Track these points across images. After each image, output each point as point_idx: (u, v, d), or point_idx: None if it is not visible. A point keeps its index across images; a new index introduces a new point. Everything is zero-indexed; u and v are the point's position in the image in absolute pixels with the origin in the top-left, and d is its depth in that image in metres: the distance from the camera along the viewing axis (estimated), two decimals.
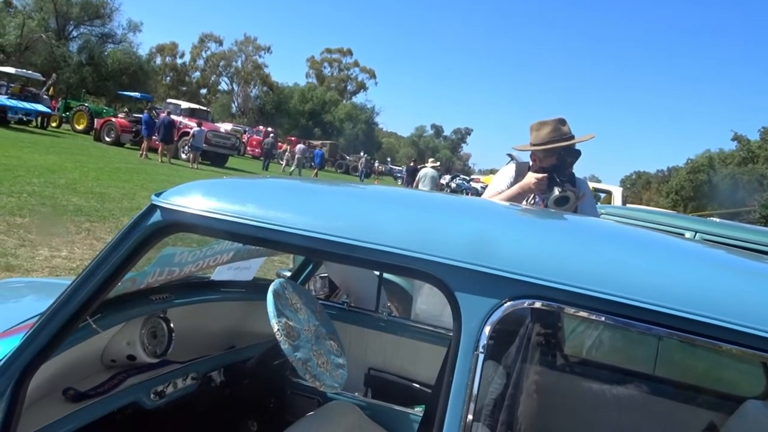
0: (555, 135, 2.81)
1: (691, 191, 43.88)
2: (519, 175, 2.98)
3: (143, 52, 48.57)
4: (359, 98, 73.72)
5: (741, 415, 1.82)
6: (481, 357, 1.13)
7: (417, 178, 16.96)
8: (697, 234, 3.92)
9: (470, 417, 1.12)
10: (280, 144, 37.68)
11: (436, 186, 17.21)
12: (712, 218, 6.21)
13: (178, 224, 1.41)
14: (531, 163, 2.98)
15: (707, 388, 2.28)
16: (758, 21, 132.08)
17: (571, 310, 1.14)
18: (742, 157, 44.04)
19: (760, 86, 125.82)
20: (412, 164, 27.96)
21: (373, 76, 74.22)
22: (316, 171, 31.77)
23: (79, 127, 26.89)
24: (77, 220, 8.12)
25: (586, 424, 1.96)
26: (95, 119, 25.73)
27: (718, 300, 1.08)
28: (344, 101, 68.66)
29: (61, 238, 6.92)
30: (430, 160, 19.10)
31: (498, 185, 3.01)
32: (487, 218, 1.47)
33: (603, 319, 1.13)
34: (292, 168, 30.04)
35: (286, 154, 32.76)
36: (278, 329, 1.64)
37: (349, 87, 74.06)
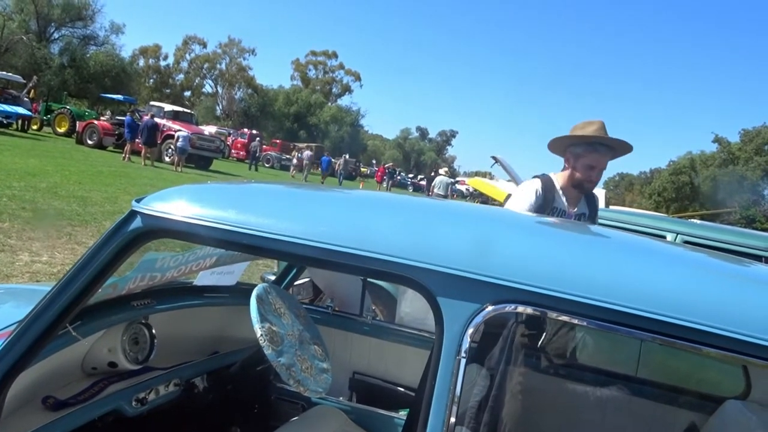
0: (602, 133, 2.79)
1: (673, 193, 44.38)
2: (547, 191, 2.86)
3: (126, 54, 48.29)
4: (344, 101, 73.72)
5: (721, 415, 1.84)
6: (463, 362, 1.13)
7: (432, 185, 19.75)
8: (679, 236, 3.97)
9: (453, 421, 1.12)
10: (265, 148, 37.63)
11: (449, 192, 19.88)
12: (693, 220, 6.29)
13: (158, 230, 1.39)
14: (565, 164, 2.90)
15: (688, 389, 2.31)
16: (739, 25, 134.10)
17: (552, 315, 1.15)
18: (723, 159, 44.64)
19: (740, 89, 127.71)
20: (433, 174, 29.51)
21: (358, 78, 74.27)
22: (324, 176, 31.88)
23: (61, 130, 26.58)
24: (58, 224, 8.03)
25: (569, 426, 1.97)
26: (77, 122, 25.42)
27: (699, 304, 1.09)
28: (329, 104, 68.51)
29: (42, 243, 6.83)
30: (443, 170, 22.47)
31: (523, 203, 2.85)
32: (468, 223, 1.47)
33: (584, 323, 1.14)
34: (305, 173, 30.67)
35: (294, 160, 32.90)
36: (262, 334, 1.64)
37: (334, 89, 73.95)
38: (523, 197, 2.88)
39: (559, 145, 2.93)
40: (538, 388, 2.00)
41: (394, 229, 1.30)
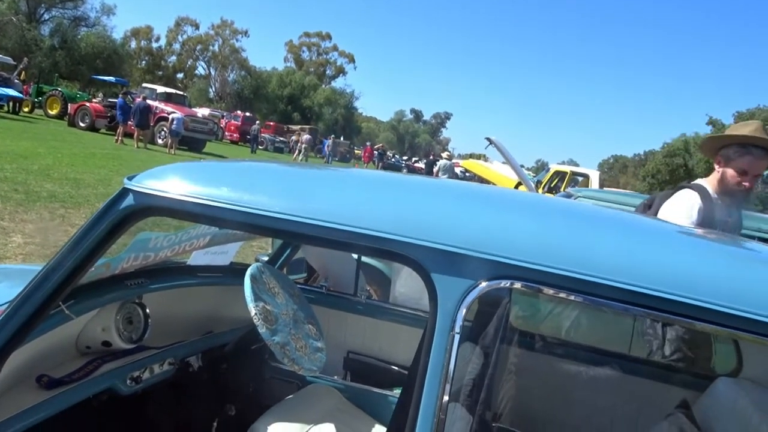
0: (759, 134, 2.56)
1: (667, 175, 44.43)
2: (707, 206, 2.60)
3: (117, 35, 47.69)
4: (338, 83, 73.32)
5: (712, 393, 1.85)
6: (457, 338, 1.13)
7: (437, 169, 20.40)
8: None
9: (446, 398, 1.13)
10: (260, 130, 37.56)
11: (453, 174, 20.56)
12: None
13: (150, 208, 1.38)
14: (715, 168, 2.68)
15: (680, 367, 2.33)
16: (733, 8, 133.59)
17: (546, 291, 1.15)
18: None
19: (734, 71, 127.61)
20: (431, 157, 30.15)
21: (352, 60, 73.81)
22: (325, 160, 31.99)
23: (53, 112, 26.32)
24: (51, 206, 7.98)
25: (562, 403, 1.98)
26: (69, 104, 25.15)
27: (692, 279, 1.10)
28: (323, 86, 68.04)
29: (35, 225, 6.80)
30: (445, 153, 23.33)
31: (683, 221, 2.53)
32: (461, 199, 1.47)
33: (579, 299, 1.13)
34: (301, 156, 30.94)
35: (300, 144, 32.93)
36: (256, 313, 1.64)
37: (328, 71, 73.46)
38: (682, 215, 2.60)
39: (711, 147, 2.71)
40: (532, 365, 2.02)
41: (387, 205, 1.29)
